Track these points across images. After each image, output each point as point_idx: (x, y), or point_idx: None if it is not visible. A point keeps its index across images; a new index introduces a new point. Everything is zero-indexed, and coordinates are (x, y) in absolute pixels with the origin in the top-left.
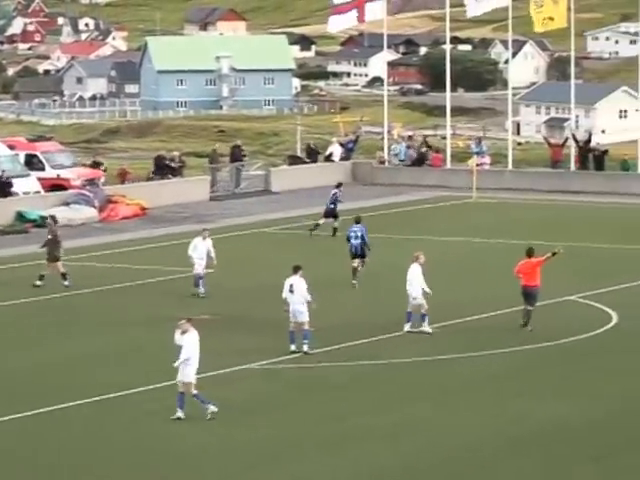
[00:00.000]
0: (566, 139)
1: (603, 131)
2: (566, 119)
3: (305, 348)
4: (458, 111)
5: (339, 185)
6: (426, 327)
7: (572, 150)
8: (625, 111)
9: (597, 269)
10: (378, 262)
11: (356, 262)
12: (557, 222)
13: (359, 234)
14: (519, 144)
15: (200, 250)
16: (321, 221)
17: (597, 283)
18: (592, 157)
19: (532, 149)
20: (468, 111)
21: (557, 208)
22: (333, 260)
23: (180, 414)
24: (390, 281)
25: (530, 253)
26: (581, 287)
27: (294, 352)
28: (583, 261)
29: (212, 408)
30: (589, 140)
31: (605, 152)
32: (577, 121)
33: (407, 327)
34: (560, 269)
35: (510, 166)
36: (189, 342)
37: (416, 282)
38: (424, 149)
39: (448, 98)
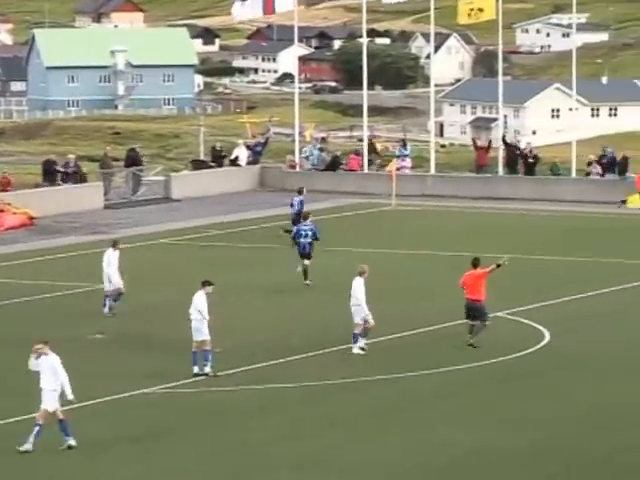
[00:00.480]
0: (490, 141)
1: (534, 132)
2: (493, 119)
3: (207, 370)
4: (376, 111)
5: (301, 191)
6: (356, 348)
7: (500, 153)
8: (558, 110)
9: (527, 282)
10: (291, 276)
11: (305, 261)
12: (483, 231)
13: (309, 232)
14: (442, 146)
15: (115, 263)
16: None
17: (527, 298)
18: (524, 161)
19: (456, 152)
20: (387, 111)
21: (483, 216)
22: (243, 272)
23: (71, 442)
24: (307, 297)
25: (476, 263)
26: (510, 302)
27: (197, 375)
28: (511, 274)
29: (71, 442)
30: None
31: (534, 155)
32: (506, 121)
33: (355, 349)
34: (487, 283)
35: (432, 170)
36: (46, 367)
37: (363, 298)
38: (372, 157)
39: (365, 96)
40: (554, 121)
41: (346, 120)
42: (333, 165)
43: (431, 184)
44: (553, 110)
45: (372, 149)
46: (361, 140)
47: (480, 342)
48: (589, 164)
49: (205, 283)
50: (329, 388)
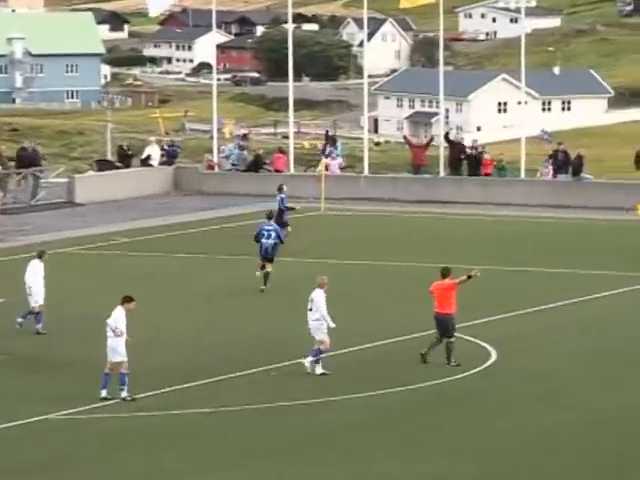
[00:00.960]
0: (431, 138)
1: (478, 128)
2: (434, 114)
3: (123, 395)
4: (303, 104)
5: (281, 188)
6: (309, 363)
7: (441, 152)
8: (505, 104)
9: (471, 295)
10: (210, 288)
11: (267, 265)
12: (423, 238)
13: (272, 233)
14: (377, 144)
15: (40, 274)
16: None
17: (472, 313)
18: (467, 160)
19: (393, 150)
20: (315, 104)
21: (423, 221)
22: (158, 284)
23: None
24: (230, 312)
25: (445, 273)
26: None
27: (105, 399)
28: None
29: None
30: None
31: (481, 153)
32: (447, 116)
33: (319, 369)
34: (427, 297)
35: (366, 171)
36: None
37: (326, 313)
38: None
39: (290, 89)
40: (501, 116)
41: (270, 115)
42: (255, 165)
43: (364, 186)
44: (500, 104)
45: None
46: (286, 137)
47: (418, 362)
48: (552, 156)
49: (126, 299)
50: (253, 413)
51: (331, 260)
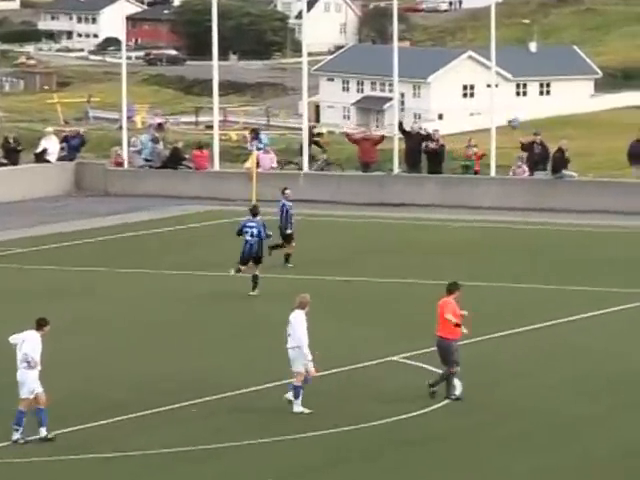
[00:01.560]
0: (381, 138)
1: (440, 116)
2: (386, 99)
3: (43, 432)
4: (230, 88)
5: (285, 191)
6: (298, 405)
7: (396, 144)
8: (472, 87)
9: (428, 316)
10: (115, 307)
11: (251, 266)
12: (370, 248)
13: (255, 231)
14: (318, 135)
15: None
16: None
17: (429, 337)
18: (426, 154)
19: (338, 143)
20: (245, 88)
21: (373, 228)
22: (60, 303)
23: None
24: (145, 336)
25: (451, 289)
26: (407, 343)
27: (17, 442)
28: (407, 305)
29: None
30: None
31: (443, 146)
32: (402, 102)
33: (297, 407)
34: (374, 317)
35: (306, 168)
36: None
37: (305, 339)
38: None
39: (215, 69)
40: (467, 102)
41: (190, 101)
42: (173, 161)
43: (304, 185)
44: (465, 87)
45: (314, 142)
46: (210, 127)
47: (363, 397)
48: (526, 148)
49: (41, 322)
50: (166, 458)
51: (263, 274)
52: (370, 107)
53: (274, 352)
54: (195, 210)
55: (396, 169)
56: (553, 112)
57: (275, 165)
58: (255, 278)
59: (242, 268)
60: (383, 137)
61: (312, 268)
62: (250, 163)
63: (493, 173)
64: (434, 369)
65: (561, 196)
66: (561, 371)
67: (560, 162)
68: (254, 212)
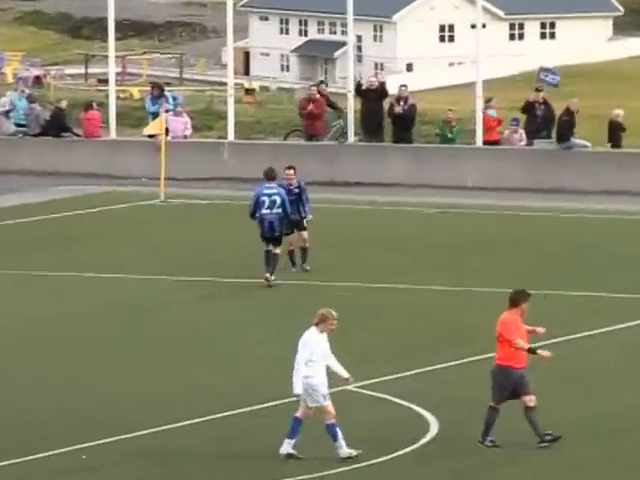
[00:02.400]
0: (320, 93)
1: (409, 67)
2: (338, 44)
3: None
4: (132, 29)
5: (290, 168)
6: (343, 448)
7: (350, 105)
8: (451, 28)
9: (392, 333)
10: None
11: (271, 247)
12: (318, 243)
13: (277, 199)
14: (248, 92)
15: None
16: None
17: (395, 360)
18: (390, 117)
19: (274, 103)
20: (150, 29)
21: (319, 215)
22: None
23: None
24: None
25: (516, 300)
26: (369, 368)
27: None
28: (362, 319)
29: None
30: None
31: (414, 107)
32: (359, 48)
33: (286, 447)
34: (330, 336)
35: (231, 135)
36: None
37: (320, 363)
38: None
39: (111, 4)
40: (444, 47)
41: (78, 46)
42: (55, 126)
43: (229, 159)
44: (443, 28)
45: (329, 104)
46: (105, 82)
47: (320, 438)
48: (524, 109)
49: None
50: None
51: (171, 276)
52: (316, 54)
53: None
54: (84, 192)
55: (351, 137)
56: (559, 61)
57: (189, 132)
58: (274, 259)
59: (275, 251)
60: (328, 100)
61: (237, 267)
62: (154, 128)
63: (479, 142)
64: (401, 401)
65: (569, 172)
66: (571, 406)
67: (568, 128)
68: (270, 176)
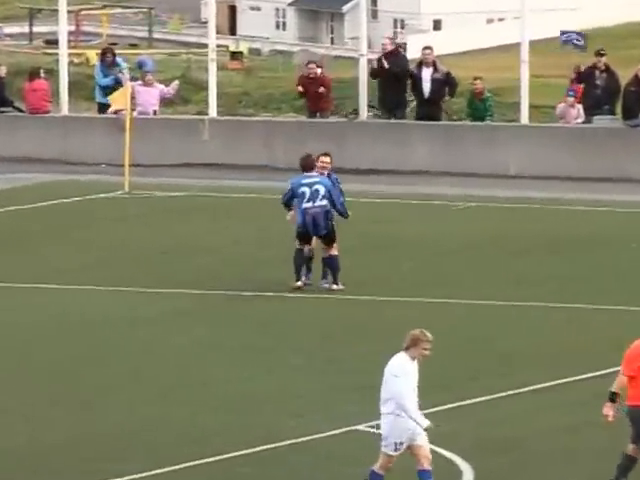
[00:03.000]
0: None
1: (436, 24)
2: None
3: None
4: None
5: (326, 155)
6: None
7: (363, 72)
8: None
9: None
10: None
11: (312, 246)
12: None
13: (322, 191)
14: (234, 56)
15: None
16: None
17: (427, 390)
18: (415, 90)
19: (266, 69)
20: None
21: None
22: None
23: None
24: None
25: None
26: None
27: None
28: (386, 339)
29: None
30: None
31: (449, 75)
32: (373, 1)
33: None
34: (320, 364)
35: (213, 111)
36: None
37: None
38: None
39: None
40: (481, 0)
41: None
42: None
43: (211, 140)
44: None
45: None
46: (54, 43)
47: None
48: (579, 77)
49: None
50: None
51: (139, 287)
52: (319, 9)
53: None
54: (29, 181)
55: (363, 113)
56: (622, 17)
57: (172, 94)
58: (329, 263)
59: (307, 248)
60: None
61: (213, 278)
62: (118, 102)
63: (525, 119)
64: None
65: (638, 157)
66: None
67: (637, 101)
68: (308, 165)
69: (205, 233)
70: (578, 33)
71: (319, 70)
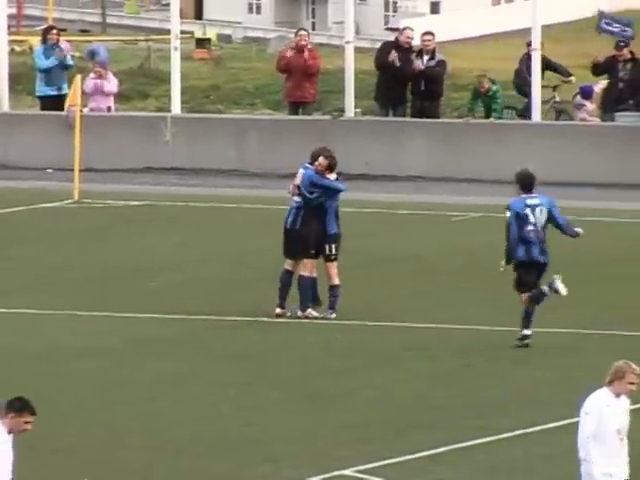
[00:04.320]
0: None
1: (435, 7)
2: None
3: None
4: None
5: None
6: None
7: (349, 61)
8: None
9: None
10: None
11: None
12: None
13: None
14: (201, 43)
15: None
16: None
17: (410, 433)
18: (409, 81)
19: (237, 58)
20: None
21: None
22: None
23: None
24: None
25: None
26: (368, 444)
27: None
28: (377, 369)
29: None
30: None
31: (440, 64)
32: None
33: None
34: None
35: (177, 107)
36: None
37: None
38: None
39: None
40: None
41: None
42: None
43: (174, 140)
44: None
45: (548, 66)
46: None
47: None
48: (596, 68)
49: None
50: None
51: (90, 312)
52: None
53: None
54: None
55: (350, 109)
56: None
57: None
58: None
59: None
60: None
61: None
62: (71, 98)
63: (536, 116)
64: None
65: None
66: None
67: None
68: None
69: (167, 249)
70: (623, 21)
71: (306, 42)
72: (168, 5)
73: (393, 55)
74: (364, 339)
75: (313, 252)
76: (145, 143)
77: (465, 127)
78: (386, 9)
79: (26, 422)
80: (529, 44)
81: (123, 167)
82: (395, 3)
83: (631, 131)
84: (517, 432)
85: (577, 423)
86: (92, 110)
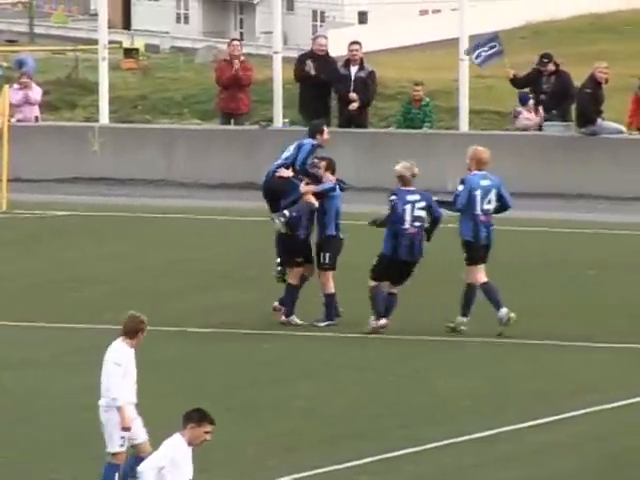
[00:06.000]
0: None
1: (362, 17)
2: None
3: None
4: None
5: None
6: None
7: (277, 72)
8: None
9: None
10: None
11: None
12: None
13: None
14: (129, 53)
15: None
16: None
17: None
18: (336, 93)
19: (167, 68)
20: None
21: (232, 232)
22: None
23: None
24: None
25: None
26: (289, 457)
27: None
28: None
29: None
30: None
31: (372, 74)
32: None
33: None
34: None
35: (104, 117)
36: None
37: None
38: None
39: None
40: None
41: None
42: None
43: (101, 150)
44: None
45: None
46: None
47: None
48: (528, 79)
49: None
50: None
51: (20, 322)
52: None
53: None
54: None
55: (279, 119)
56: (584, 7)
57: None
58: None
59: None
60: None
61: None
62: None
63: (465, 126)
64: None
65: (596, 170)
66: None
67: (594, 104)
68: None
69: (97, 260)
70: (486, 39)
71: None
72: (96, 15)
73: (309, 65)
74: (293, 349)
75: (300, 260)
76: (73, 153)
77: (392, 136)
78: (314, 19)
79: (206, 432)
80: (544, 56)
81: (51, 177)
82: (323, 13)
83: (557, 141)
84: (445, 442)
85: (506, 432)
86: (19, 121)
